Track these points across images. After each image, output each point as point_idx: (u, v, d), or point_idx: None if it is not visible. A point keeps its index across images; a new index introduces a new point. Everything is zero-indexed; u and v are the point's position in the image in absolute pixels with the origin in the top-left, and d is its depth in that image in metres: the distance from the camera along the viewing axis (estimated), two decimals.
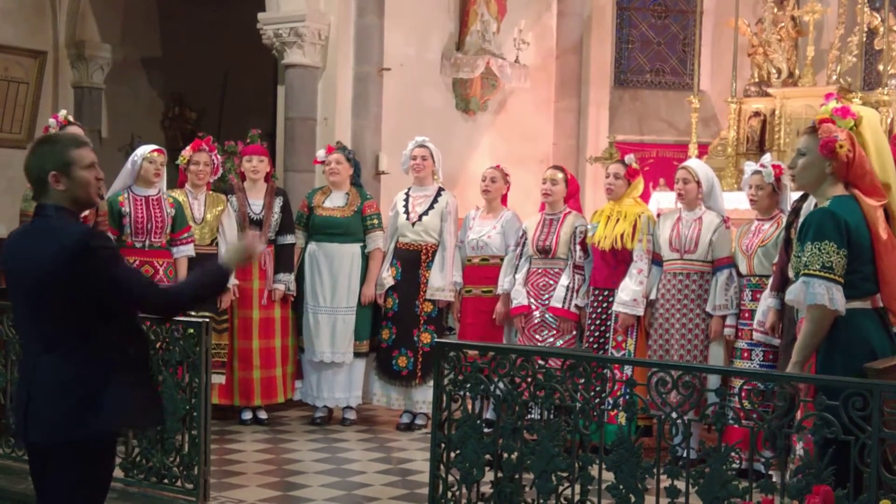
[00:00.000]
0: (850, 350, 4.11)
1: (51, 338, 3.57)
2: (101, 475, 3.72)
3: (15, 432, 4.08)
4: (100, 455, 3.67)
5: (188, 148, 7.52)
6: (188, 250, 7.22)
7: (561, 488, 4.41)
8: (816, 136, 4.29)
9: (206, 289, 3.93)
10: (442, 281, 7.43)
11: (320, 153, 7.82)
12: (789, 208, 6.23)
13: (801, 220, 5.89)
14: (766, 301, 6.15)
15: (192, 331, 5.41)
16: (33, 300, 3.58)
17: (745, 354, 6.37)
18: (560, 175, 7.22)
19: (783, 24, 10.08)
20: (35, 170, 3.66)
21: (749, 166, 6.58)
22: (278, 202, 7.59)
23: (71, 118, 7.03)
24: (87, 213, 6.42)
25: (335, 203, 7.64)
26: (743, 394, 4.12)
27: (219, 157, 7.67)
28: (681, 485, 4.09)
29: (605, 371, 4.41)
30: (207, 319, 5.59)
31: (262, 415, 7.65)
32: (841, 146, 4.21)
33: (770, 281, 6.17)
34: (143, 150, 7.13)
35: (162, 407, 4.00)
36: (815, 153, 4.27)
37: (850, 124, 4.40)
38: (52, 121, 6.94)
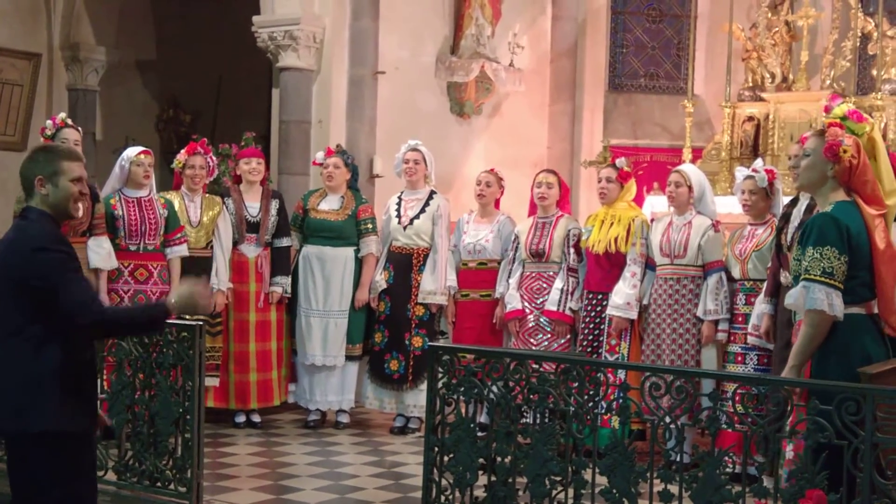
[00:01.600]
0: (844, 355, 4.12)
1: (4, 330, 3.73)
2: (70, 475, 3.78)
3: None
4: (56, 451, 3.74)
5: (184, 151, 7.51)
6: (182, 250, 7.22)
7: (554, 492, 4.41)
8: (823, 138, 4.31)
9: (138, 325, 4.06)
10: (433, 284, 7.42)
11: (319, 155, 7.83)
12: (780, 213, 6.24)
13: (790, 224, 5.93)
14: (760, 306, 6.16)
15: (185, 334, 5.41)
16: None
17: (739, 359, 6.38)
18: (553, 178, 7.24)
19: (777, 29, 10.09)
20: (26, 172, 3.87)
21: (740, 171, 6.58)
22: (275, 205, 7.60)
23: (69, 121, 7.02)
24: (81, 216, 6.44)
25: (330, 206, 7.64)
26: (736, 398, 4.13)
27: (214, 159, 7.67)
28: (674, 489, 4.09)
29: (598, 375, 4.41)
30: (201, 322, 5.58)
31: (256, 418, 7.65)
32: (845, 151, 4.22)
33: (764, 286, 6.18)
34: (131, 152, 7.13)
35: (95, 417, 3.99)
36: (819, 155, 4.29)
37: (866, 129, 4.43)
38: (48, 123, 6.94)
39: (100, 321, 3.79)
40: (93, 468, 4.00)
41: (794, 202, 6.04)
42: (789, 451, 4.28)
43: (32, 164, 3.87)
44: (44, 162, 3.86)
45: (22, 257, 3.71)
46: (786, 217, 6.05)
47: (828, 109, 4.59)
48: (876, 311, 4.25)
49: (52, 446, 3.73)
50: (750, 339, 6.27)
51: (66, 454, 3.78)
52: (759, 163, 6.62)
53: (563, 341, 7.02)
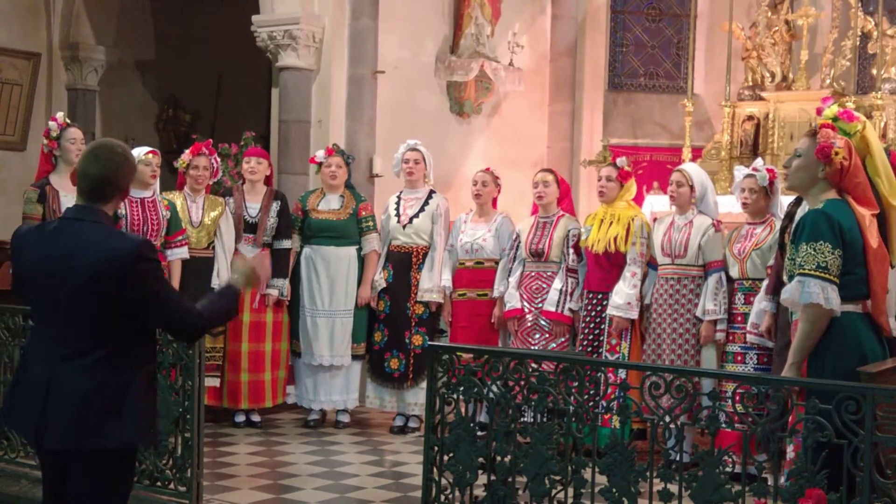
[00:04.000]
0: (840, 353, 4.13)
1: (80, 344, 3.54)
2: (124, 485, 3.73)
3: (27, 438, 4.05)
4: (121, 465, 3.67)
5: (188, 152, 7.52)
6: (182, 253, 7.22)
7: (554, 491, 4.41)
8: (815, 139, 4.31)
9: (223, 313, 3.93)
10: (430, 282, 7.44)
11: (319, 154, 7.82)
12: (783, 213, 6.23)
13: (794, 223, 5.92)
14: (761, 304, 6.15)
15: None
16: (69, 303, 3.53)
17: (739, 358, 6.38)
18: (550, 177, 7.23)
19: (777, 28, 10.08)
20: (120, 176, 3.68)
21: (739, 170, 6.58)
22: (275, 206, 7.59)
23: (68, 120, 7.03)
24: None
25: (330, 206, 7.65)
26: (736, 397, 4.13)
27: (218, 160, 7.68)
28: (674, 488, 4.09)
29: (598, 374, 4.41)
30: None
31: (256, 417, 7.65)
32: (836, 153, 4.23)
33: (764, 284, 6.18)
34: (138, 152, 7.11)
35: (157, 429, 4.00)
36: (810, 156, 4.30)
37: (857, 128, 4.42)
38: (52, 123, 6.94)
39: (196, 323, 3.75)
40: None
41: (798, 201, 6.03)
42: (790, 451, 4.28)
43: (121, 169, 3.68)
44: (131, 169, 3.74)
45: (114, 266, 3.50)
46: (790, 216, 6.03)
47: (820, 111, 4.59)
48: (871, 310, 4.25)
49: (121, 460, 3.65)
50: (749, 338, 6.27)
51: (129, 466, 3.76)
52: (759, 162, 6.62)
53: (561, 341, 7.02)
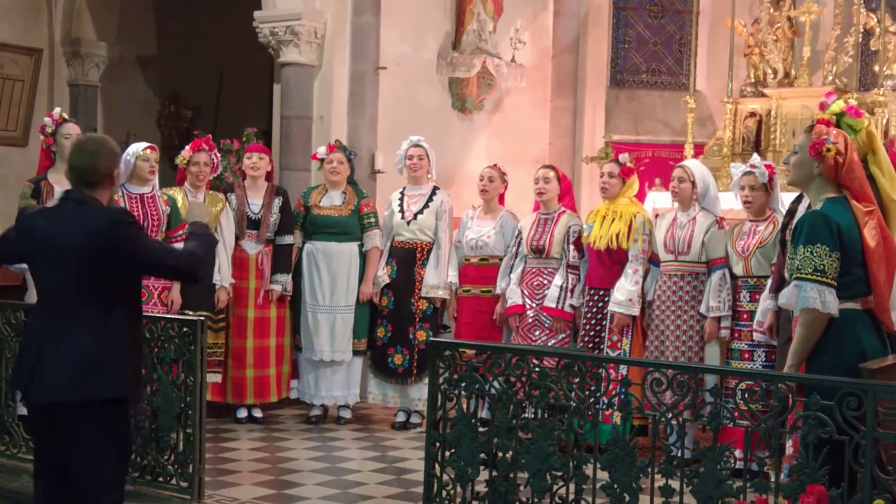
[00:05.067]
0: (839, 350, 4.12)
1: (72, 309, 3.90)
2: (120, 437, 4.01)
3: (22, 394, 4.31)
4: (113, 418, 3.93)
5: (188, 148, 7.51)
6: None
7: (555, 487, 4.41)
8: (811, 135, 4.30)
9: (206, 246, 4.24)
10: (436, 279, 7.44)
11: (321, 150, 7.82)
12: (784, 209, 6.22)
13: (795, 220, 5.91)
14: (766, 302, 6.13)
15: (187, 329, 5.41)
16: (65, 273, 3.91)
17: (747, 356, 6.35)
18: (552, 173, 7.23)
19: (779, 25, 10.09)
20: (103, 165, 4.04)
21: (736, 168, 6.55)
22: (277, 202, 7.58)
23: (66, 115, 7.03)
24: None
25: (332, 202, 7.64)
26: (743, 394, 4.13)
27: (218, 156, 7.67)
28: (675, 484, 4.09)
29: (599, 371, 4.41)
30: (203, 318, 5.58)
31: (258, 413, 7.65)
32: (829, 150, 4.21)
33: (769, 282, 6.16)
34: (136, 147, 7.12)
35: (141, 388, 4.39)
36: (805, 153, 4.29)
37: (864, 124, 4.42)
38: (47, 119, 6.94)
39: (198, 259, 4.12)
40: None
41: (799, 198, 6.02)
42: (789, 447, 4.28)
43: (110, 157, 4.07)
44: (116, 155, 4.12)
45: (102, 233, 3.87)
46: (791, 213, 6.02)
47: (823, 107, 4.58)
48: (871, 305, 4.24)
49: (112, 413, 3.92)
50: (756, 336, 6.25)
51: (122, 420, 4.03)
52: (756, 158, 6.59)
53: (561, 337, 7.02)
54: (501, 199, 7.59)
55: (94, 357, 3.87)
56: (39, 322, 4.04)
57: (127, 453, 4.13)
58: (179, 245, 7.08)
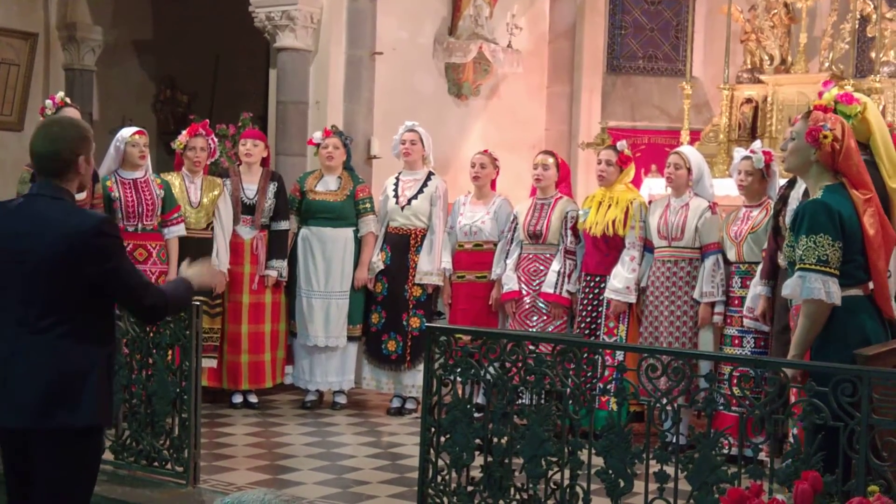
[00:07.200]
0: (844, 337, 4.12)
1: (40, 322, 3.52)
2: (88, 467, 3.69)
3: None
4: (83, 445, 3.62)
5: (185, 133, 7.51)
6: (179, 230, 7.23)
7: (550, 473, 4.42)
8: (808, 121, 4.30)
9: (181, 299, 3.95)
10: (430, 265, 7.43)
11: (316, 135, 7.81)
12: (777, 195, 6.23)
13: (788, 207, 5.92)
14: (756, 288, 6.15)
15: (182, 314, 5.41)
16: (31, 280, 3.52)
17: (736, 341, 6.38)
18: (551, 160, 7.23)
19: (776, 11, 10.06)
20: (66, 151, 3.62)
21: (738, 152, 6.57)
22: (272, 187, 7.58)
23: (68, 100, 7.01)
24: (83, 197, 6.44)
25: (328, 187, 7.64)
26: (733, 380, 4.13)
27: (215, 141, 7.67)
28: (670, 470, 4.10)
29: (595, 357, 4.42)
30: (199, 303, 5.58)
31: (253, 398, 7.66)
32: (825, 136, 4.21)
33: (759, 268, 6.18)
34: (125, 133, 7.11)
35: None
36: (802, 139, 4.28)
37: (856, 111, 4.41)
38: (48, 102, 6.91)
39: (165, 305, 3.77)
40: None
41: (791, 184, 6.03)
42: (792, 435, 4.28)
43: (72, 141, 3.63)
44: (82, 139, 3.66)
45: (76, 242, 3.50)
46: (783, 199, 6.04)
47: (821, 96, 4.59)
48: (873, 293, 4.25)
49: (83, 440, 3.60)
50: (746, 322, 6.27)
51: (93, 447, 3.71)
52: (757, 144, 6.62)
53: (559, 323, 7.03)
54: (493, 184, 7.59)
55: (65, 382, 3.51)
56: (1, 334, 3.58)
57: (93, 480, 3.72)
58: (175, 228, 7.17)
